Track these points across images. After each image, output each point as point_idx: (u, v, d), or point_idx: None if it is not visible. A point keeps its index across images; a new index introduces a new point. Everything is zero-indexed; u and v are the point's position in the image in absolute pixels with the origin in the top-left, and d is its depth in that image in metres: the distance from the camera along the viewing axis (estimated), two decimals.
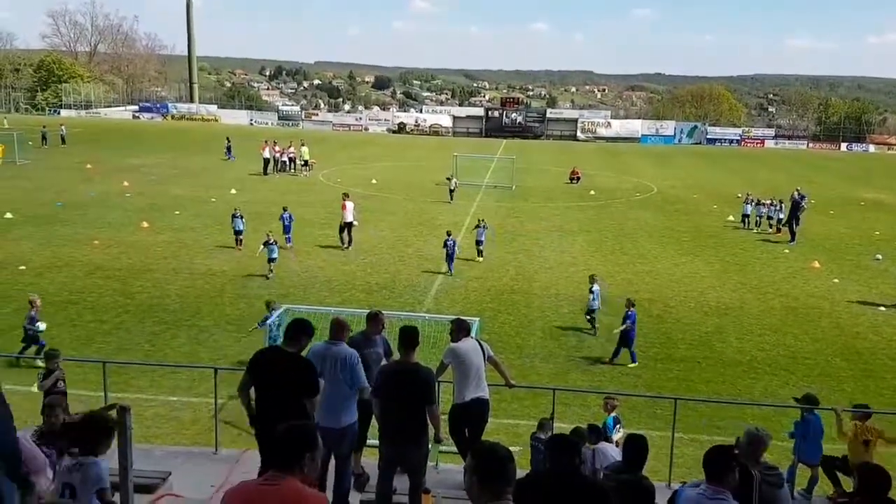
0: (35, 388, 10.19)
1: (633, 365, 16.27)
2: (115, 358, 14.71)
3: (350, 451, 7.84)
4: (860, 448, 9.34)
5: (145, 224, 28.34)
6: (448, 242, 22.87)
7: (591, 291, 18.30)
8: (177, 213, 31.15)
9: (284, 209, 26.27)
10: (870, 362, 17.01)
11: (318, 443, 3.86)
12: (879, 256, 26.91)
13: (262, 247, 22.05)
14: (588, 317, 18.38)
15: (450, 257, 22.93)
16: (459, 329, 8.68)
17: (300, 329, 6.90)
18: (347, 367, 7.41)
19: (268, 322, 14.45)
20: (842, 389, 14.98)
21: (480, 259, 24.60)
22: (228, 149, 50.98)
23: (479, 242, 24.90)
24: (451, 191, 37.16)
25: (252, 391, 6.95)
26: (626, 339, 16.40)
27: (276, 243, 22.16)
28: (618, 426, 10.49)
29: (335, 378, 7.32)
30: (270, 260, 21.92)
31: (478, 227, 25.18)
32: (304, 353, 7.07)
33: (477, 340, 8.79)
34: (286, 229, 25.62)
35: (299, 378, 6.62)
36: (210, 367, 12.55)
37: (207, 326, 17.59)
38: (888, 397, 14.93)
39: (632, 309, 16.57)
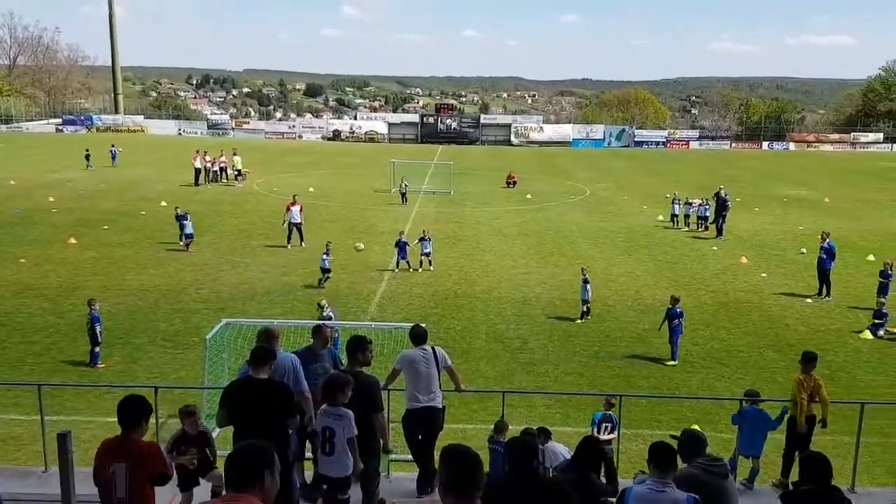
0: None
1: (671, 363, 16.61)
2: (49, 380, 14.19)
3: (293, 460, 7.75)
4: (804, 401, 10.12)
5: (73, 240, 27.39)
6: (400, 242, 24.10)
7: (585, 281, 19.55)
8: (105, 227, 30.21)
9: (177, 208, 28.02)
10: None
11: (276, 460, 3.76)
12: (804, 250, 27.91)
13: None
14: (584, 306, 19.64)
15: (402, 254, 24.01)
16: (411, 337, 8.73)
17: (267, 355, 6.89)
18: (291, 371, 7.39)
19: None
20: (775, 381, 15.52)
21: (431, 268, 24.30)
22: (87, 157, 50.00)
23: (426, 254, 24.55)
24: (403, 194, 38.20)
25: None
26: (673, 335, 16.87)
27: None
28: (605, 425, 10.66)
29: None
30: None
31: (422, 239, 24.64)
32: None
33: (433, 349, 8.80)
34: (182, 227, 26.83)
35: (278, 404, 6.60)
36: (150, 386, 12.19)
37: (142, 344, 17.11)
38: None
39: (677, 306, 17.08)
